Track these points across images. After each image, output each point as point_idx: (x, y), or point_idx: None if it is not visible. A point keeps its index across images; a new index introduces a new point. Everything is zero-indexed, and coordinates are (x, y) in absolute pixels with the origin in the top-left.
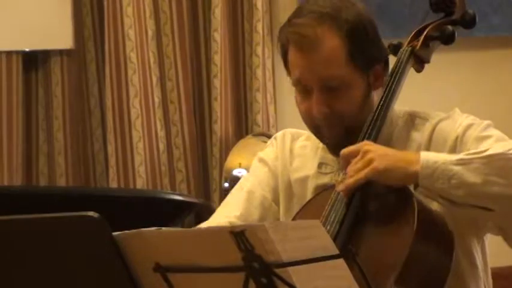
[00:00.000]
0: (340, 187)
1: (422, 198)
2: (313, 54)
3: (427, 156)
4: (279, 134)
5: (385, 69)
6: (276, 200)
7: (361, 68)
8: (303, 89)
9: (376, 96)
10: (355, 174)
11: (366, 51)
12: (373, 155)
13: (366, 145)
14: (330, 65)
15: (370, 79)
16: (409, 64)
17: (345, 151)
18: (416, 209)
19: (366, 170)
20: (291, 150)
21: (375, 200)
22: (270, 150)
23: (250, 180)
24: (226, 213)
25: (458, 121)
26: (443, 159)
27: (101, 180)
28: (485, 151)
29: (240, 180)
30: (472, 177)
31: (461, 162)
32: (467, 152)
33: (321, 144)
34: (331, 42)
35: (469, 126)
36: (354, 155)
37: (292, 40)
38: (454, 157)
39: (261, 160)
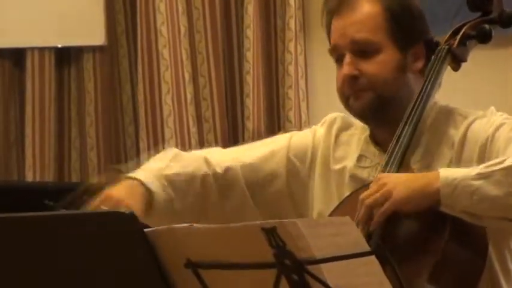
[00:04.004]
0: (368, 229)
1: None
2: (350, 16)
3: (446, 174)
4: (329, 117)
5: (427, 54)
6: (294, 174)
7: (398, 41)
8: (339, 58)
9: (414, 80)
10: (376, 208)
11: (406, 26)
12: (390, 186)
13: (381, 178)
14: (364, 27)
15: (409, 59)
16: (445, 63)
17: (364, 196)
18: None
19: (387, 205)
20: (337, 137)
21: None
22: (320, 129)
23: (286, 141)
24: (239, 155)
25: (490, 121)
26: (462, 175)
27: None
28: (504, 161)
29: (285, 134)
30: (494, 190)
31: (481, 177)
32: (486, 164)
33: (364, 135)
34: (370, 8)
35: (499, 126)
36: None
37: (334, 6)
38: (473, 171)
39: (312, 130)
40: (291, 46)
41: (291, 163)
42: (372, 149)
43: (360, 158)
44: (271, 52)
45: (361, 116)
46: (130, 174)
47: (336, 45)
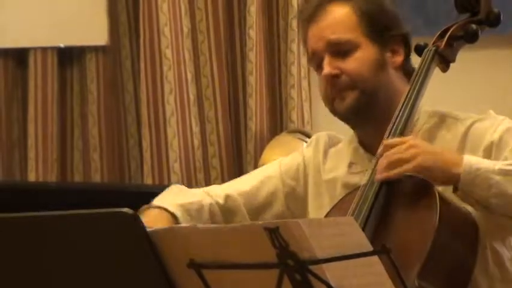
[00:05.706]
0: (381, 176)
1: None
2: (323, 20)
3: (470, 161)
4: (315, 136)
5: (405, 49)
6: (291, 194)
7: (373, 38)
8: (318, 64)
9: (395, 77)
10: (398, 164)
11: (380, 23)
12: (419, 150)
13: (413, 139)
14: (338, 28)
15: (387, 55)
16: (433, 64)
17: (388, 141)
18: (438, 201)
19: (412, 164)
20: (325, 153)
21: (399, 195)
22: (307, 148)
23: (277, 166)
24: (237, 185)
25: (494, 125)
26: (485, 166)
27: (135, 176)
28: None
29: (274, 161)
30: None
31: (503, 173)
32: (508, 162)
33: (353, 145)
34: (341, 10)
35: (505, 132)
36: (398, 145)
37: (306, 18)
38: (497, 166)
39: (301, 153)
40: (294, 46)
41: (287, 185)
42: (361, 154)
43: (350, 165)
44: (274, 52)
45: (347, 117)
46: (152, 204)
47: (314, 50)
